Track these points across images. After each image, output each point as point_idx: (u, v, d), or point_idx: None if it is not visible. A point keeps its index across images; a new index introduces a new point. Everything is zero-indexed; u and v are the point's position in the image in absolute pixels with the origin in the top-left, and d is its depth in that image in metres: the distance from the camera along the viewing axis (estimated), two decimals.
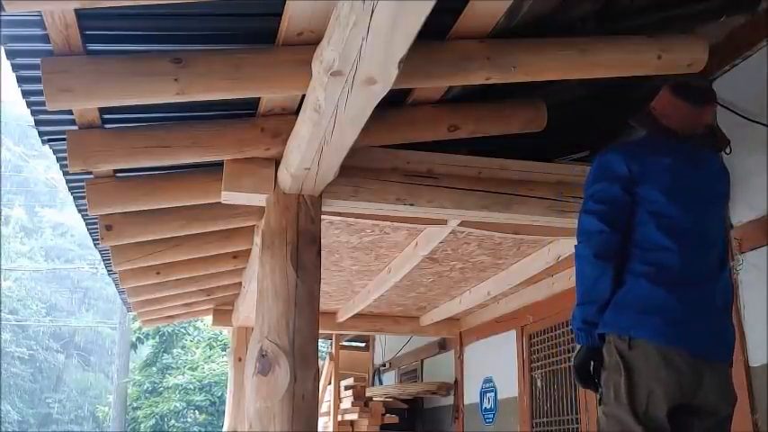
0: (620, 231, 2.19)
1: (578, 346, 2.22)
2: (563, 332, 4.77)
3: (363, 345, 8.77)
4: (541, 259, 4.08)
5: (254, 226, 3.70)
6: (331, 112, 2.12)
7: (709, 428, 2.10)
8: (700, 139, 2.38)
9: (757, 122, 3.03)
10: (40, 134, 2.72)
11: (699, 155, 2.38)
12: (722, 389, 2.12)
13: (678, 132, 2.35)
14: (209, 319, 6.27)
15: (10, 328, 23.51)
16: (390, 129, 2.88)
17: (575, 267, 2.25)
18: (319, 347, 3.01)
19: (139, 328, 17.60)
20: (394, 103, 2.80)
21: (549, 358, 4.94)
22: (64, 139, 2.67)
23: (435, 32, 2.34)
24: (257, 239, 3.47)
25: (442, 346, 6.81)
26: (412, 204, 2.94)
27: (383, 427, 6.77)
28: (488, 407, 5.81)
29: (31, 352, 24.78)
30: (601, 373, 2.15)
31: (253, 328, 2.75)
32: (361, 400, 6.78)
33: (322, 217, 2.88)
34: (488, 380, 5.87)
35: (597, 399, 2.16)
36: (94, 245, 4.06)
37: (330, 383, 7.45)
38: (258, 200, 2.87)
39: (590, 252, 2.16)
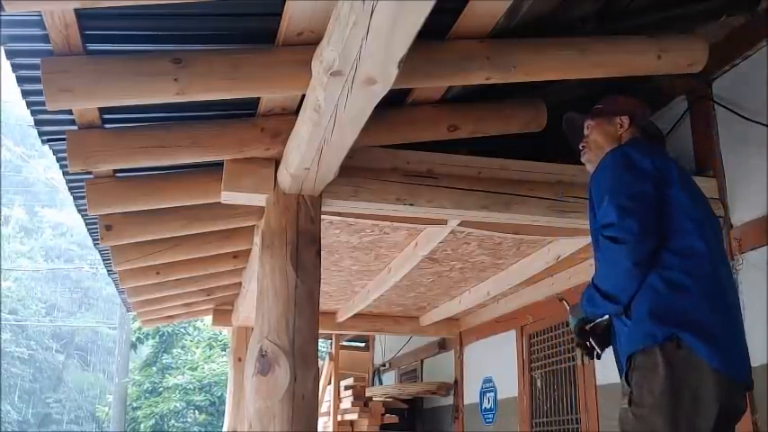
0: (657, 234, 2.05)
1: (575, 319, 2.22)
2: (563, 332, 4.77)
3: (363, 345, 8.77)
4: (541, 259, 4.07)
5: (254, 226, 3.70)
6: (331, 112, 2.12)
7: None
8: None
9: (757, 122, 3.04)
10: (40, 134, 2.72)
11: None
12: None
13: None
14: (209, 319, 6.27)
15: (10, 328, 23.53)
16: (390, 129, 2.88)
17: (602, 264, 2.11)
18: (319, 347, 3.01)
19: (139, 328, 17.62)
20: (394, 103, 2.80)
21: (548, 358, 4.94)
22: (64, 139, 2.67)
23: (435, 32, 2.34)
24: (257, 239, 3.47)
25: (442, 346, 6.81)
26: (412, 204, 2.94)
27: (383, 427, 6.77)
28: (488, 407, 5.81)
29: (31, 352, 24.81)
30: (630, 374, 2.05)
31: (253, 328, 2.75)
32: (361, 400, 6.78)
33: (322, 217, 2.88)
34: (488, 380, 5.87)
35: (627, 399, 2.03)
36: (94, 245, 4.07)
37: (330, 383, 7.45)
38: (258, 200, 2.87)
39: (629, 260, 2.01)
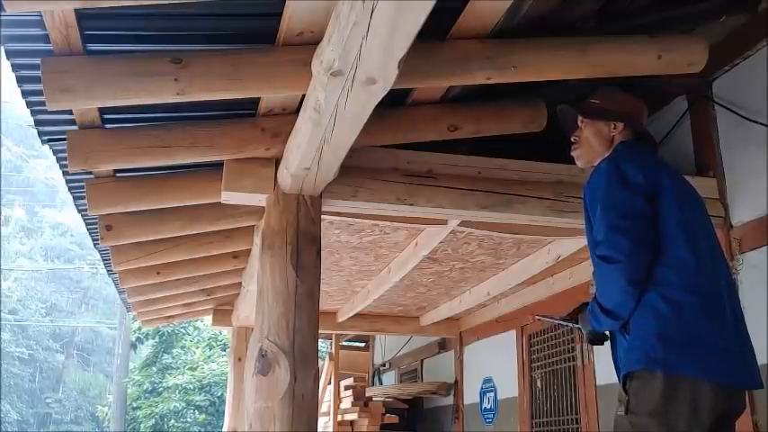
0: (651, 250, 2.03)
1: (586, 329, 2.22)
2: (563, 332, 4.77)
3: (363, 345, 8.77)
4: (541, 259, 4.08)
5: (253, 226, 3.70)
6: (331, 111, 2.12)
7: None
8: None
9: (757, 122, 3.04)
10: (40, 134, 2.72)
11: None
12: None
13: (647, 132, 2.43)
14: (209, 319, 6.27)
15: (10, 328, 23.53)
16: (390, 129, 2.88)
17: (599, 282, 2.11)
18: (319, 347, 3.01)
19: (139, 328, 17.63)
20: (394, 103, 2.80)
21: (549, 358, 4.94)
22: (64, 139, 2.67)
23: (435, 32, 2.34)
24: (257, 239, 3.47)
25: (442, 346, 6.81)
26: (412, 204, 2.94)
27: (383, 427, 6.77)
28: (488, 407, 5.81)
29: (31, 352, 24.81)
30: (628, 383, 2.04)
31: (253, 328, 2.75)
32: (361, 400, 6.79)
33: (322, 217, 2.88)
34: (488, 380, 5.87)
35: (623, 407, 2.03)
36: (94, 245, 4.07)
37: (330, 383, 7.45)
38: (258, 200, 2.87)
39: (623, 278, 2.00)
